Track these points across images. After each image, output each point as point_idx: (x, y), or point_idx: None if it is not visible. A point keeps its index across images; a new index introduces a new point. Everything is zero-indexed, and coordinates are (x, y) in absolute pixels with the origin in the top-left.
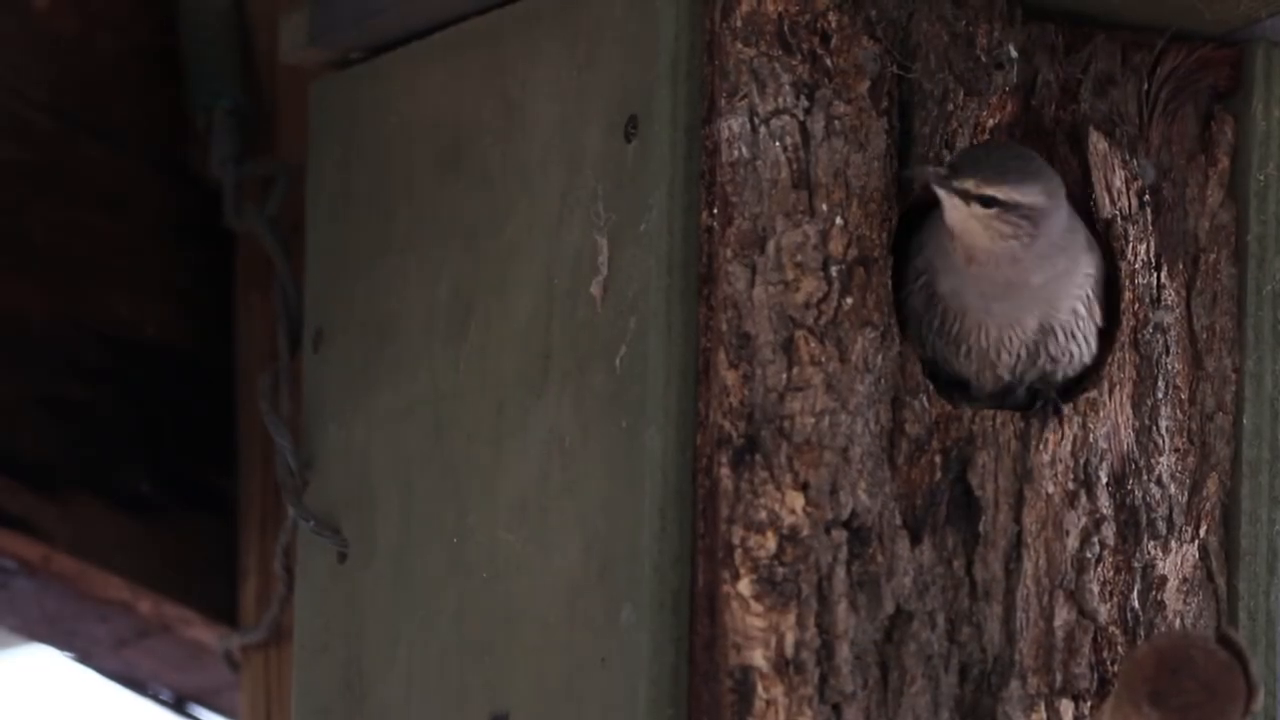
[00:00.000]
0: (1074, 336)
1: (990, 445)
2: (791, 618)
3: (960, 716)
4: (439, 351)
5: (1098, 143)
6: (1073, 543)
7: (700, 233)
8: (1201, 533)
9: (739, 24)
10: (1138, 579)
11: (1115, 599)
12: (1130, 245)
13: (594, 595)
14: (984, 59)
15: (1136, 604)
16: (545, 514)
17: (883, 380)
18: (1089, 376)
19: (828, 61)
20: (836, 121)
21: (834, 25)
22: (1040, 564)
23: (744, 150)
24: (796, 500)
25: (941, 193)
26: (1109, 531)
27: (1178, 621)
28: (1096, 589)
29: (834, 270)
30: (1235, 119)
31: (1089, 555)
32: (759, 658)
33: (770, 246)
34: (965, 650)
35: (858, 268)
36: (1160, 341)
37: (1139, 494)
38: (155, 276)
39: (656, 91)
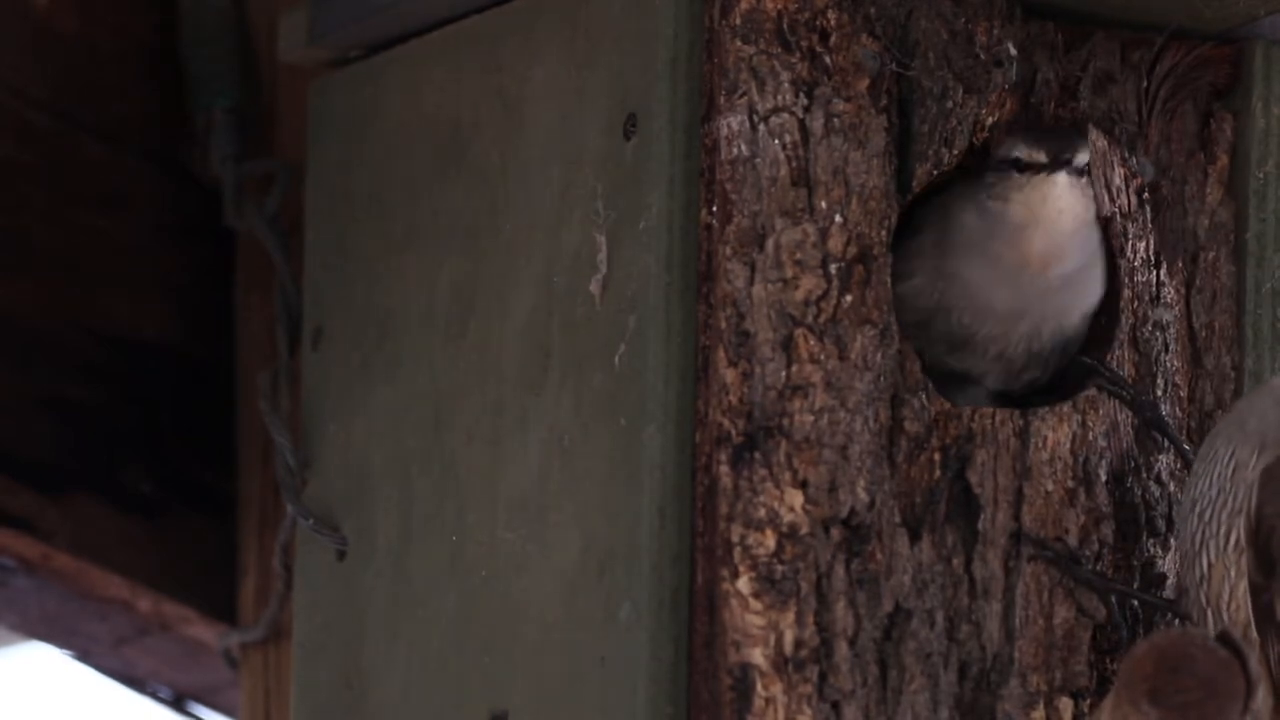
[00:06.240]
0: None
1: (989, 443)
2: (791, 616)
3: (960, 714)
4: (438, 350)
5: (1097, 140)
6: (1072, 540)
7: (700, 231)
8: None
9: (738, 22)
10: (1137, 577)
11: (1114, 597)
12: (1129, 243)
13: (593, 594)
14: (983, 56)
15: (1136, 602)
16: (545, 513)
17: (882, 378)
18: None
19: (827, 59)
20: (836, 119)
21: (833, 23)
22: (1040, 562)
23: (743, 148)
24: (796, 498)
25: (1063, 178)
26: (1108, 529)
27: (1177, 620)
28: None
29: (833, 268)
30: (1234, 117)
31: (1088, 553)
32: (758, 656)
33: (769, 244)
34: (964, 648)
35: (857, 265)
36: (1159, 339)
37: (1138, 492)
38: (155, 276)
39: (655, 89)
